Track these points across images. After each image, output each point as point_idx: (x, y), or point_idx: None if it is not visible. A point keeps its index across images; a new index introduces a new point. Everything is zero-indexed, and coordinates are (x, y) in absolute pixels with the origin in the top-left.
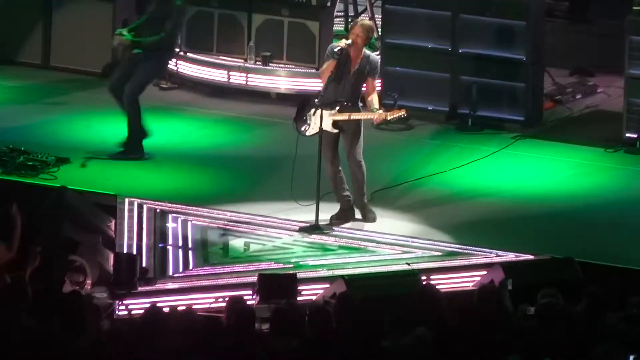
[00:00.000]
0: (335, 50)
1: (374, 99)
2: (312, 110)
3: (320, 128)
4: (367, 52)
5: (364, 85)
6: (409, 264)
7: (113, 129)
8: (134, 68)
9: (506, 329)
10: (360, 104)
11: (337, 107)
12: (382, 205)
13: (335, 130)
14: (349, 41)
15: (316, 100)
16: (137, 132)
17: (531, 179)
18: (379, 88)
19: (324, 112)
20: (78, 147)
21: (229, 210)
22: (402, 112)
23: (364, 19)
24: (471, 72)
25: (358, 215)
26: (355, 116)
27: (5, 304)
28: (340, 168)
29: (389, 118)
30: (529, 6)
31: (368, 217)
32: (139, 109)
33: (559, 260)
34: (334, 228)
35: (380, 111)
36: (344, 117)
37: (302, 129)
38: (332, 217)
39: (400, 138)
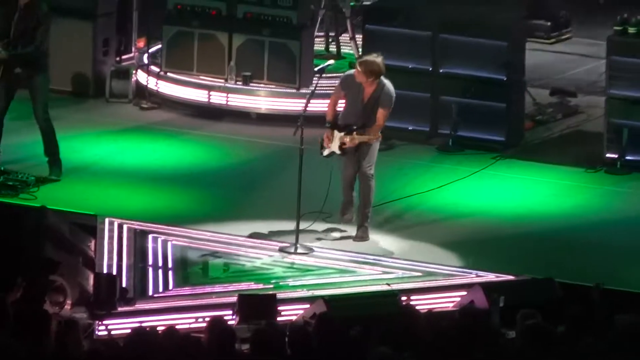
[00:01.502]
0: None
1: (371, 129)
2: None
3: (332, 151)
4: (384, 82)
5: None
6: (389, 285)
7: (94, 149)
8: (30, 89)
9: (490, 346)
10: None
11: (345, 131)
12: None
13: (339, 152)
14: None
15: (327, 123)
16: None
17: (511, 199)
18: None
19: (335, 134)
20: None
21: (209, 230)
22: (380, 137)
23: (363, 58)
24: (452, 92)
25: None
26: (356, 139)
27: None
28: (354, 178)
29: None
30: (510, 26)
31: (357, 235)
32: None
33: (539, 281)
34: (314, 249)
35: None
36: (345, 139)
37: (320, 150)
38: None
39: (381, 158)
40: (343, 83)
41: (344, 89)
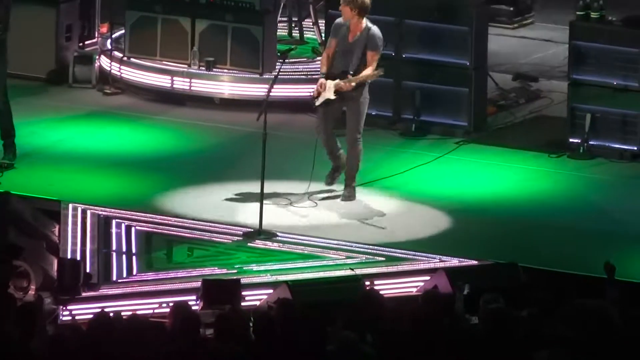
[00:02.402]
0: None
1: (363, 72)
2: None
3: (326, 98)
4: (369, 25)
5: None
6: (352, 269)
7: (58, 134)
8: None
9: (453, 333)
10: None
11: (340, 77)
12: (325, 211)
13: (334, 97)
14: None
15: (321, 74)
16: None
17: (475, 184)
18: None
19: (328, 81)
20: (22, 153)
21: (173, 215)
22: (379, 71)
23: None
24: (414, 77)
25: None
26: (352, 81)
27: None
28: (332, 134)
29: (370, 80)
30: (472, 11)
31: (343, 195)
32: None
33: (502, 265)
34: (278, 234)
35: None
36: (340, 83)
37: (314, 100)
38: (326, 176)
39: (343, 144)
40: (332, 29)
41: (334, 36)
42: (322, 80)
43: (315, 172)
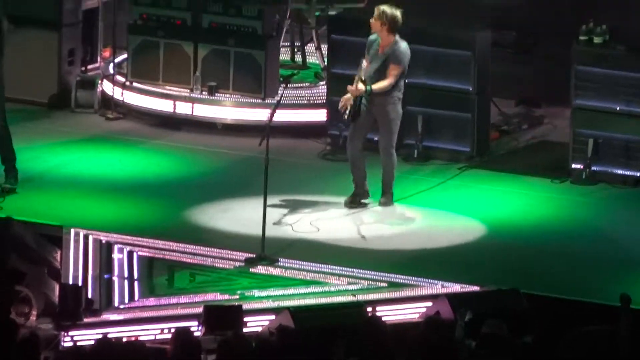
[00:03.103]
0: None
1: (378, 83)
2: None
3: (353, 110)
4: (398, 39)
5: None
6: (354, 295)
7: (60, 159)
8: None
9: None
10: None
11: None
12: (327, 236)
13: (352, 103)
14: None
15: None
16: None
17: (477, 209)
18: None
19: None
20: (24, 177)
21: (175, 241)
22: (366, 88)
23: (385, 6)
24: (417, 102)
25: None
26: (356, 88)
27: None
28: (361, 151)
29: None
30: (475, 36)
31: (381, 201)
32: None
33: (504, 292)
34: (280, 260)
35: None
36: (350, 88)
37: (343, 116)
38: (345, 200)
39: (344, 168)
40: (366, 47)
41: (367, 53)
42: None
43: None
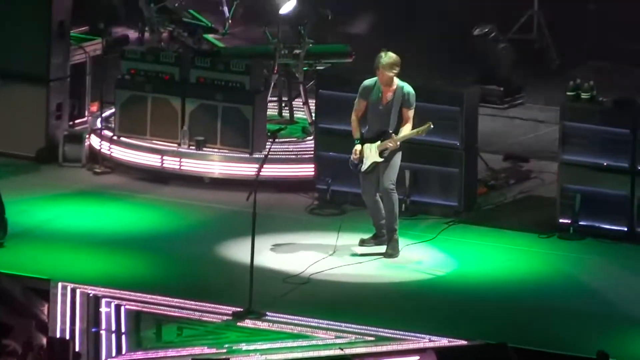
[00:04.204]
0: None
1: (402, 130)
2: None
3: (374, 161)
4: (402, 83)
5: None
6: (342, 349)
7: (47, 213)
8: None
9: None
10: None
11: (382, 138)
12: (314, 290)
13: (381, 159)
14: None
15: (356, 140)
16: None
17: (464, 264)
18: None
19: (371, 145)
20: (12, 231)
21: (162, 294)
22: (429, 124)
23: (383, 56)
24: (405, 157)
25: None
26: (397, 139)
27: None
28: (377, 198)
29: (420, 134)
30: (463, 92)
31: (386, 252)
32: None
33: (492, 346)
34: (267, 314)
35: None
36: (387, 144)
37: (358, 166)
38: (361, 239)
39: (332, 223)
40: (362, 92)
41: (364, 97)
42: (357, 147)
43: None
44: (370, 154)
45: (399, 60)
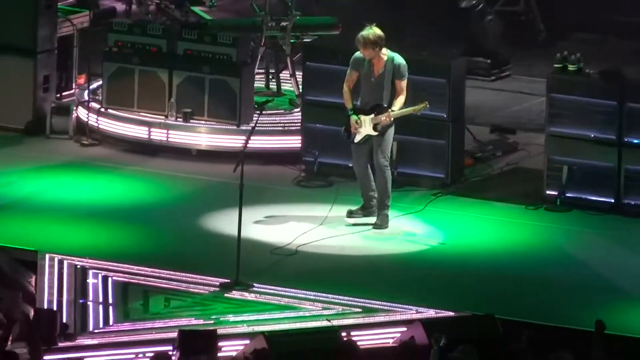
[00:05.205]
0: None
1: (397, 102)
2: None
3: (367, 134)
4: (392, 54)
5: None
6: (329, 320)
7: (35, 184)
8: None
9: None
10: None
11: (375, 112)
12: (301, 262)
13: (376, 133)
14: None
15: (349, 111)
16: None
17: (452, 236)
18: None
19: (365, 117)
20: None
21: (150, 266)
22: (425, 104)
23: (364, 31)
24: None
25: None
26: (391, 115)
27: None
28: (368, 169)
29: (416, 112)
30: (450, 64)
31: (375, 224)
32: None
33: (479, 317)
34: (255, 285)
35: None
36: (381, 118)
37: (351, 137)
38: (349, 210)
39: (320, 195)
40: (353, 64)
41: (355, 69)
42: (354, 117)
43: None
44: (365, 126)
45: (379, 36)
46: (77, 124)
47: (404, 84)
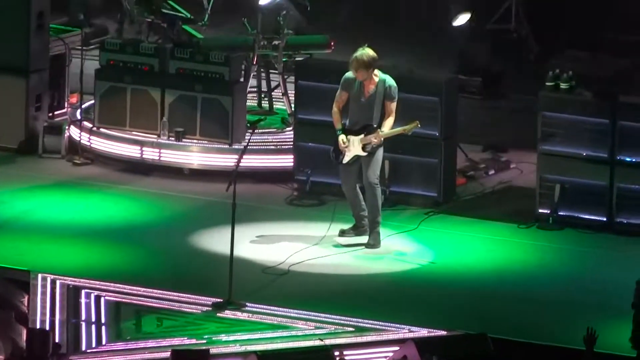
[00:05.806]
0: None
1: (386, 123)
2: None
3: (356, 154)
4: (383, 76)
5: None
6: (321, 340)
7: (27, 204)
8: None
9: None
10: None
11: (365, 132)
12: (294, 281)
13: (365, 153)
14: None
15: (338, 131)
16: None
17: (444, 254)
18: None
19: (352, 137)
20: None
21: (142, 285)
22: (416, 123)
23: (357, 52)
24: (384, 147)
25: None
26: (381, 135)
27: None
28: (357, 189)
29: (406, 132)
30: (442, 82)
31: (368, 243)
32: None
33: (471, 336)
34: (247, 305)
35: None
36: (370, 139)
37: (340, 158)
38: (341, 229)
39: (312, 214)
40: (343, 84)
41: (346, 90)
42: (342, 137)
43: (286, 240)
44: (353, 146)
45: (372, 57)
46: (69, 143)
47: (393, 105)
